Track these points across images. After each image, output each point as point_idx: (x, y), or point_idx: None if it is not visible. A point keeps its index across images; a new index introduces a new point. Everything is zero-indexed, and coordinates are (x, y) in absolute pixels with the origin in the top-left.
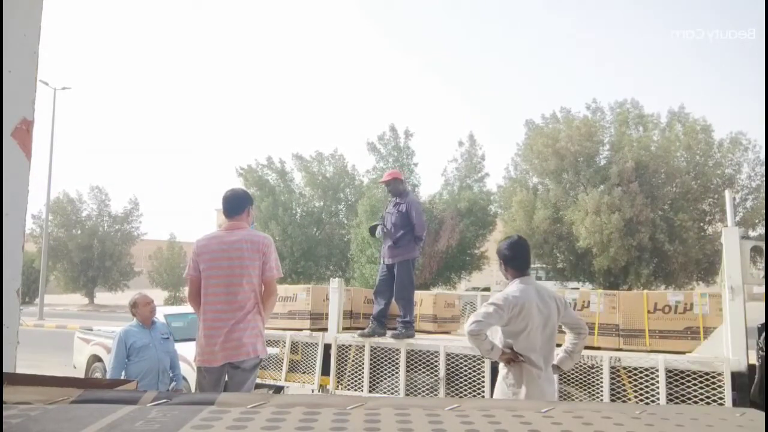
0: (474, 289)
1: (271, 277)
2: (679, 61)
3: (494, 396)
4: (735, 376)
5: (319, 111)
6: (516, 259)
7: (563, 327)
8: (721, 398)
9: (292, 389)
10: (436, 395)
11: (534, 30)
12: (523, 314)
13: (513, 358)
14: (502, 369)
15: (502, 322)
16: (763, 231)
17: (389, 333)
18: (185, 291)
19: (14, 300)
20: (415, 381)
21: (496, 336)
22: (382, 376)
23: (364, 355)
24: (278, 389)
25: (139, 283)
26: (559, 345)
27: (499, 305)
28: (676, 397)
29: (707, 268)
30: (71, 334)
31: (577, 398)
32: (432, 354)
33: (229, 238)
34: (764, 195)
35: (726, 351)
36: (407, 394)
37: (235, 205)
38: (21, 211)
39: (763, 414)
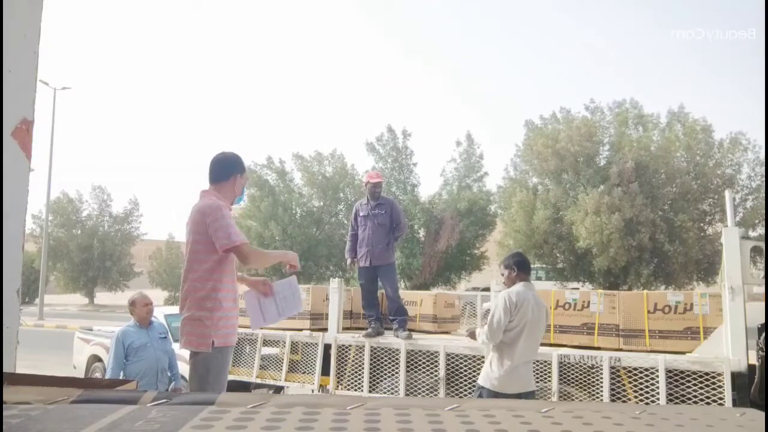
0: (474, 289)
1: (221, 247)
2: (679, 61)
3: (481, 377)
4: (735, 376)
5: (319, 111)
6: (524, 264)
7: None
8: (721, 398)
9: (292, 389)
10: (436, 395)
11: (534, 30)
12: (522, 309)
13: None
14: (489, 355)
15: (511, 315)
16: (763, 231)
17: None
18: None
19: (14, 300)
20: (415, 381)
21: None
22: (382, 376)
23: (364, 355)
24: (278, 389)
25: (139, 283)
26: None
27: (507, 302)
28: (676, 397)
29: (707, 268)
30: (71, 334)
31: (577, 398)
32: (432, 354)
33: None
34: (764, 195)
35: (726, 351)
36: (407, 394)
37: (216, 170)
38: (21, 211)
39: (763, 414)
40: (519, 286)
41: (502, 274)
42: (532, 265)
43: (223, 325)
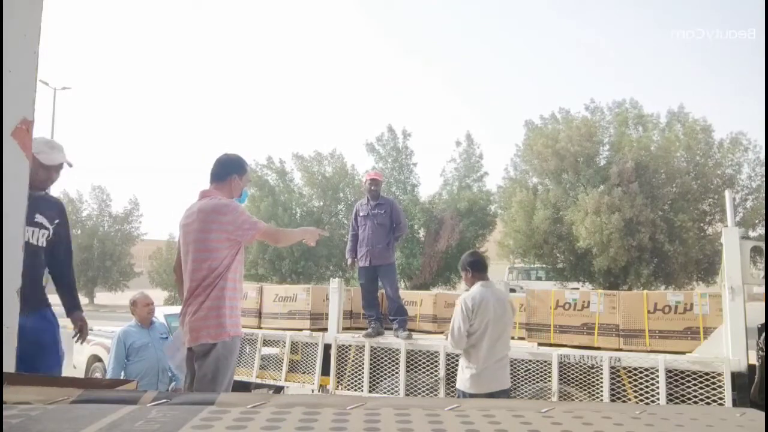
0: None
1: (251, 237)
2: (679, 61)
3: (457, 380)
4: (735, 376)
5: (319, 111)
6: (479, 263)
7: None
8: (721, 398)
9: (292, 389)
10: (436, 395)
11: (534, 30)
12: (481, 311)
13: None
14: (462, 358)
15: (470, 320)
16: (763, 231)
17: (368, 331)
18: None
19: (14, 300)
20: (415, 381)
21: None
22: (382, 376)
23: (364, 355)
24: (278, 389)
25: (139, 283)
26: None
27: (464, 308)
28: (676, 397)
29: (707, 268)
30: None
31: (577, 398)
32: (432, 354)
33: (191, 208)
34: (764, 195)
35: (726, 351)
36: (407, 394)
37: (215, 170)
38: (21, 211)
39: (763, 414)
40: (476, 287)
41: (462, 276)
42: (532, 265)
43: (236, 314)
